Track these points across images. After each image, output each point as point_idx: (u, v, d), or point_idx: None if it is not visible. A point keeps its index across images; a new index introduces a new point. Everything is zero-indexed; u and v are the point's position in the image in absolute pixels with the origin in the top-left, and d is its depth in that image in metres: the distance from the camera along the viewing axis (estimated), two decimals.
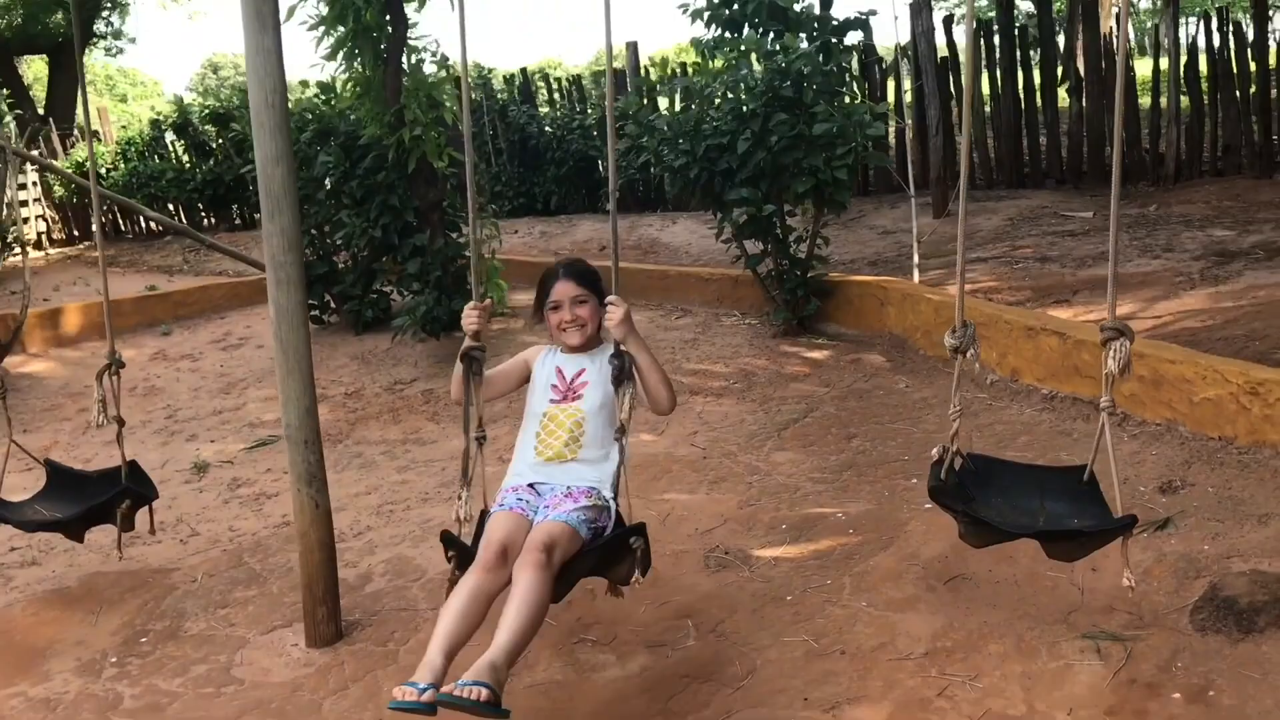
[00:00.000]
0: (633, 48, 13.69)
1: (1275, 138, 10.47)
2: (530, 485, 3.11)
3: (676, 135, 5.99)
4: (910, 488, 4.24)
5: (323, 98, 7.23)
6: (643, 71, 13.57)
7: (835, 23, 9.29)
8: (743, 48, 5.95)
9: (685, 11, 10.61)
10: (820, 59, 5.88)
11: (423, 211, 6.94)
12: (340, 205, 7.20)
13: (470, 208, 3.29)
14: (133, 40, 29.72)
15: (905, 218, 9.83)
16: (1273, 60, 10.43)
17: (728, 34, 10.21)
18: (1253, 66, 10.45)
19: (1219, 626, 3.00)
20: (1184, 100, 10.56)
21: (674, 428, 5.27)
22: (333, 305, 7.89)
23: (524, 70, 14.27)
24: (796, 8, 9.27)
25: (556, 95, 14.31)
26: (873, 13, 8.40)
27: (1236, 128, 10.52)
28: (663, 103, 13.78)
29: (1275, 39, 10.48)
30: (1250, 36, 10.51)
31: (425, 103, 6.10)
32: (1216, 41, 10.55)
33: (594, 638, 3.44)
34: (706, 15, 10.23)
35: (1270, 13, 10.51)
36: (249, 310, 8.87)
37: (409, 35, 6.26)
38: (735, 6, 9.74)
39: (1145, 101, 11.08)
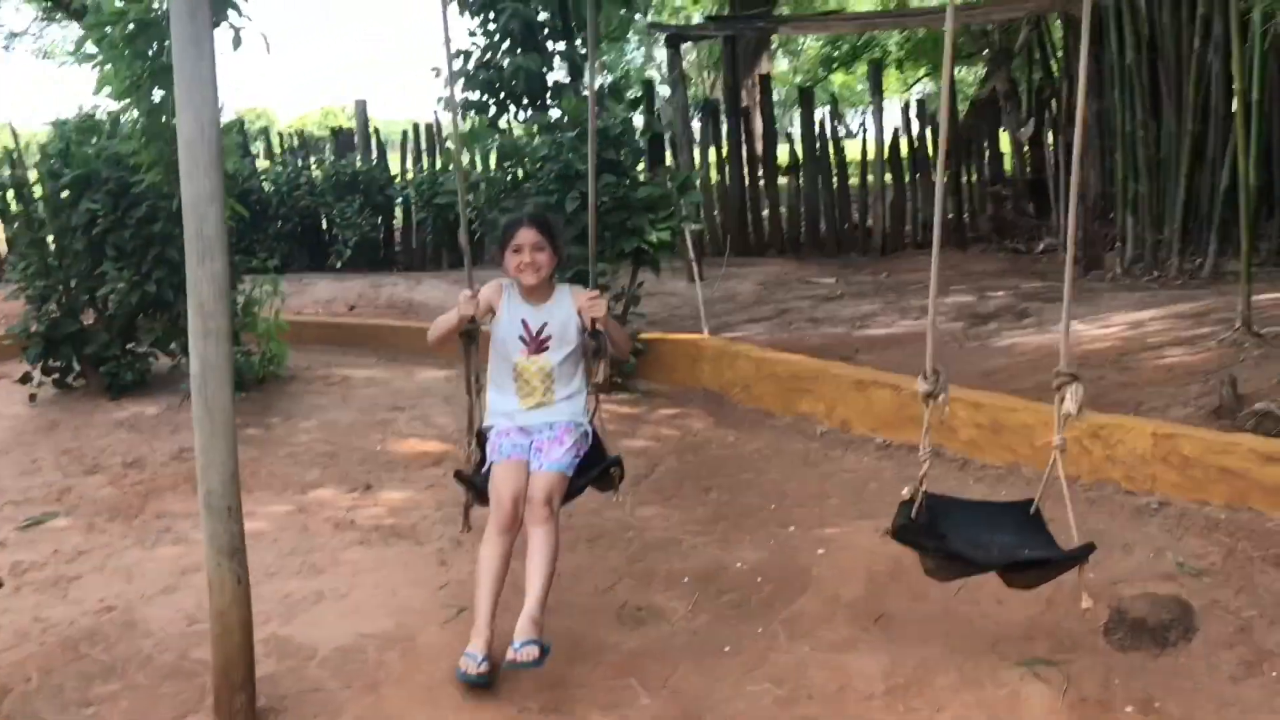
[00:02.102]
0: (362, 107, 13.39)
1: (965, 216, 11.79)
2: (519, 428, 3.61)
3: (498, 194, 5.93)
4: (791, 535, 4.38)
5: (78, 139, 6.57)
6: (372, 130, 13.30)
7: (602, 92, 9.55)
8: (556, 114, 6.00)
9: (438, 75, 10.56)
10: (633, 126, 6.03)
11: None
12: (102, 257, 6.54)
13: (460, 203, 3.77)
14: None
15: (659, 282, 10.18)
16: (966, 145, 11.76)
17: (485, 98, 10.27)
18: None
19: (1137, 644, 3.33)
20: (888, 180, 11.69)
21: None
22: (77, 368, 7.09)
23: (241, 123, 13.56)
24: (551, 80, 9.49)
25: (278, 150, 13.72)
26: (630, 86, 8.76)
27: (933, 206, 11.75)
28: (393, 161, 13.56)
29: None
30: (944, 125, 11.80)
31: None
32: (915, 129, 11.79)
33: (536, 706, 3.30)
34: (463, 81, 10.23)
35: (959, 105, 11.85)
36: None
37: None
38: (490, 71, 9.84)
39: (855, 181, 12.16)
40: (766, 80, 11.98)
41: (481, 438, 3.69)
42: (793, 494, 4.83)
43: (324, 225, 12.84)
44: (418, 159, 13.17)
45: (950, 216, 11.72)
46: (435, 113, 13.32)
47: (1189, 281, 7.62)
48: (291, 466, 5.64)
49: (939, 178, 3.28)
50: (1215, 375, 5.29)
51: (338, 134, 13.36)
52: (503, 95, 10.12)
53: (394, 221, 13.08)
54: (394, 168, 13.25)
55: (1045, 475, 3.12)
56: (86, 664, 3.70)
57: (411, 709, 3.31)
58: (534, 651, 3.15)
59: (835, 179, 11.79)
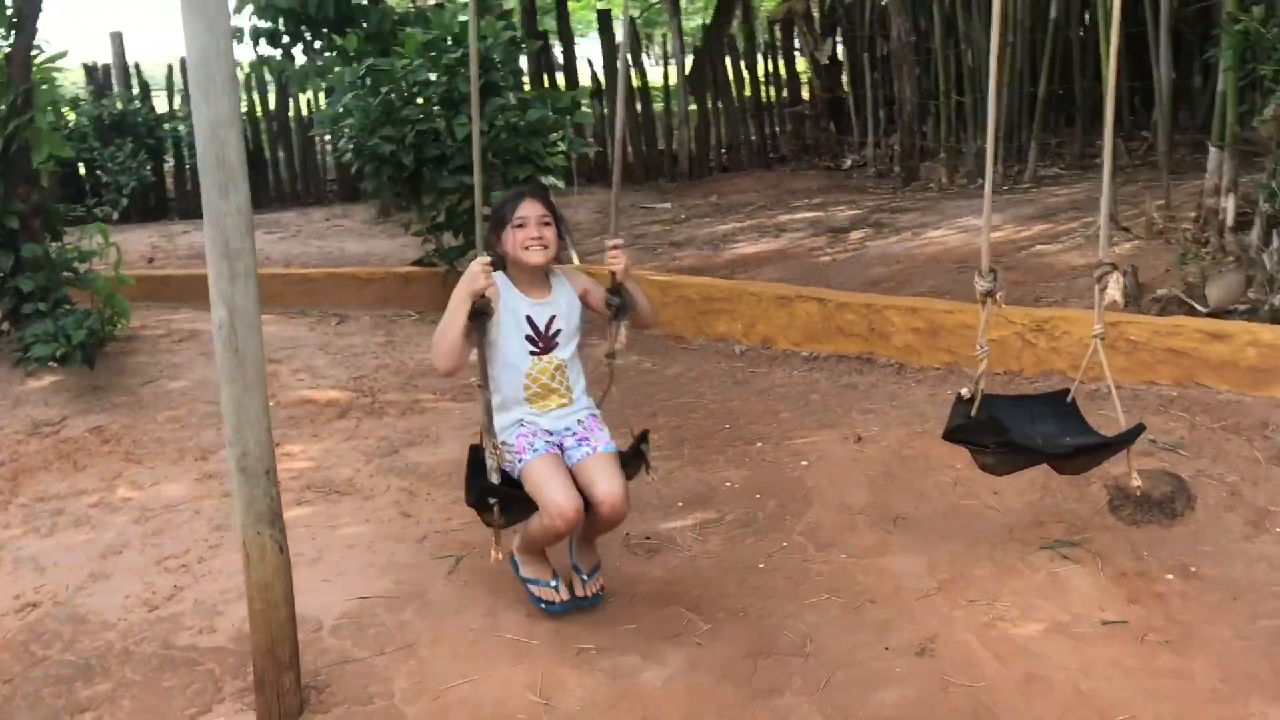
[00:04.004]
0: (118, 39, 12.14)
1: (768, 137, 12.04)
2: (544, 430, 3.25)
3: (373, 121, 5.52)
4: (762, 451, 4.38)
5: None
6: (132, 67, 12.10)
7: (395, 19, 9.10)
8: (434, 31, 5.63)
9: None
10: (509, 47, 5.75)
11: (25, 217, 5.71)
12: None
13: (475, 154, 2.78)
14: None
15: None
16: (760, 69, 11.95)
17: (282, 25, 9.53)
18: (745, 74, 11.92)
19: (1149, 518, 3.54)
20: (691, 105, 11.74)
21: (452, 436, 4.89)
22: None
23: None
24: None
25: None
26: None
27: (735, 128, 11.93)
28: (159, 100, 12.41)
29: (761, 50, 12.01)
30: (740, 47, 11.97)
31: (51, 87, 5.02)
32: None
33: (594, 646, 3.17)
34: (249, 8, 9.44)
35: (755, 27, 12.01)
36: None
37: None
38: None
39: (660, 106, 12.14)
40: (564, 4, 11.70)
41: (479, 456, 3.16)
42: (740, 412, 4.82)
43: (83, 173, 11.67)
44: (188, 97, 12.12)
45: (753, 138, 11.95)
46: None
47: (1015, 187, 8.08)
48: (179, 431, 5.13)
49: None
50: (1099, 268, 5.65)
51: (92, 71, 12.08)
52: (303, 22, 9.46)
53: (163, 166, 12.03)
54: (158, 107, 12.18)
55: (1084, 364, 3.22)
56: (51, 666, 3.27)
57: (463, 666, 3.10)
58: (600, 582, 3.33)
59: (639, 104, 11.73)
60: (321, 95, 6.99)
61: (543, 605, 3.26)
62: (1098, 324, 3.19)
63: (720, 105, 11.78)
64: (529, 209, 3.24)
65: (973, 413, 3.15)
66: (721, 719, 2.80)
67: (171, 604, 3.62)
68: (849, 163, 10.76)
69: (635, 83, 11.73)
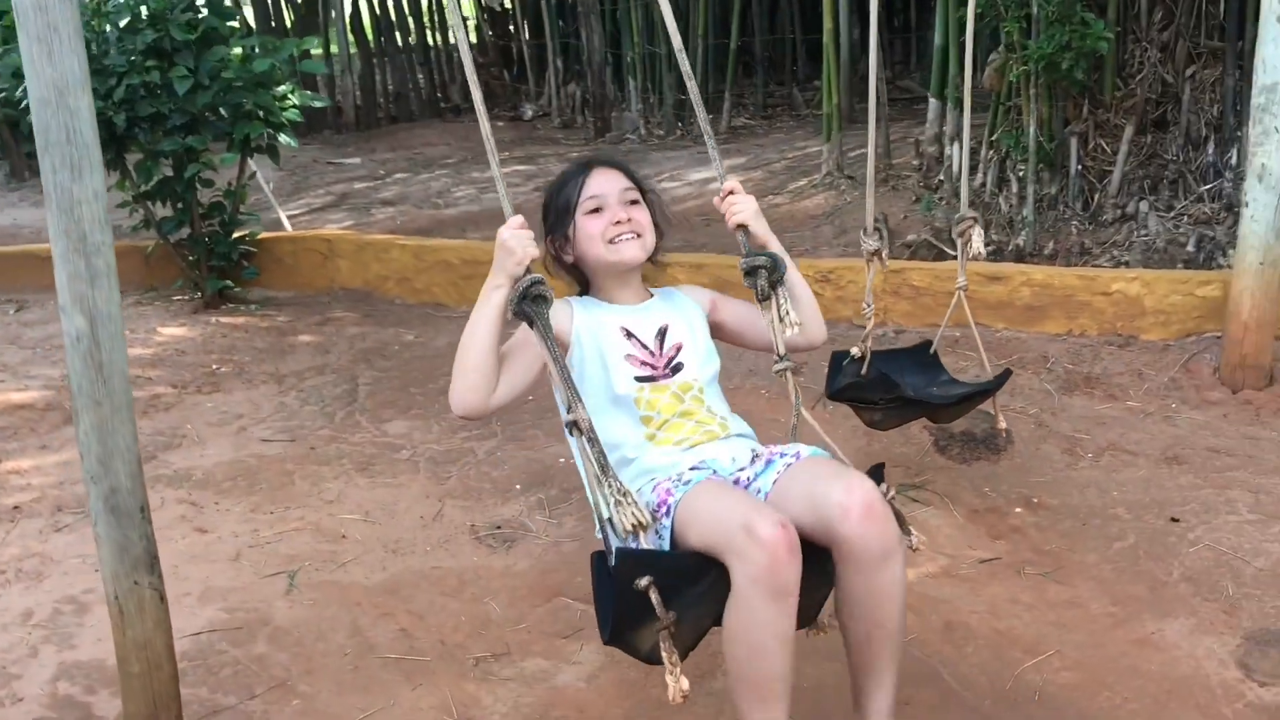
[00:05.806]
0: None
1: (437, 85, 11.60)
2: (692, 469, 2.11)
3: None
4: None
5: None
6: None
7: None
8: None
9: None
10: None
11: None
12: None
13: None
14: None
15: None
16: (425, 9, 11.41)
17: None
18: (410, 19, 11.39)
19: (977, 455, 3.76)
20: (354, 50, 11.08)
21: (215, 434, 4.34)
22: None
23: None
24: None
25: None
26: None
27: (404, 76, 11.41)
28: None
29: None
30: None
31: None
32: None
33: (486, 653, 2.94)
34: None
35: None
36: None
37: None
38: None
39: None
40: None
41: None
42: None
43: None
44: None
45: (423, 86, 11.49)
46: None
47: (714, 138, 8.27)
48: None
49: None
50: (835, 216, 5.93)
51: None
52: None
53: None
54: None
55: (948, 316, 3.34)
56: None
57: (355, 698, 2.77)
58: None
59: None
60: None
61: None
62: (961, 276, 3.32)
63: (385, 48, 11.21)
64: (604, 182, 2.26)
65: (863, 371, 3.19)
66: (666, 712, 2.68)
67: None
68: (530, 113, 10.60)
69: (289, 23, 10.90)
